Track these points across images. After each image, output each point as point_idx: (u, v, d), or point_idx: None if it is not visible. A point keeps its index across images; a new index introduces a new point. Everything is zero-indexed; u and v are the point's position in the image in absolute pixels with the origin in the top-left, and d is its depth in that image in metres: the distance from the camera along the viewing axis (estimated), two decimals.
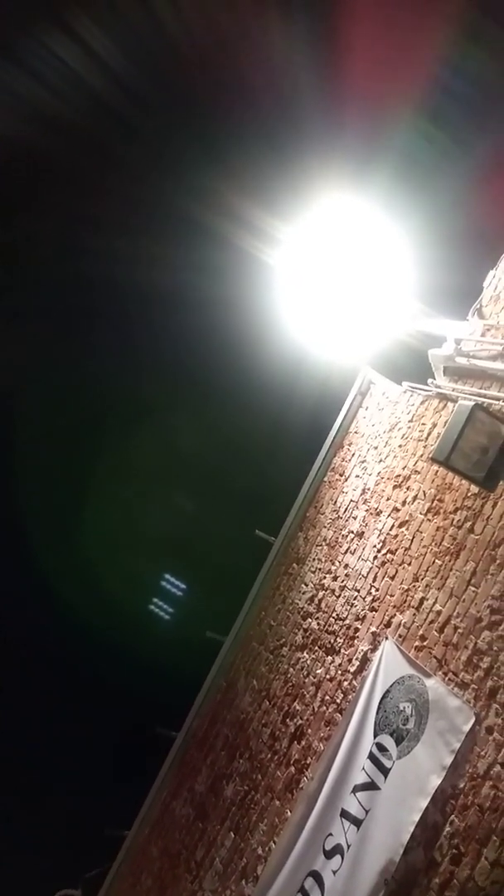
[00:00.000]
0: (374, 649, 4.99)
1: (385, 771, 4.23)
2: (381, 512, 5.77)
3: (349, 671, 5.15)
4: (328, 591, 5.96)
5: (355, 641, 5.26)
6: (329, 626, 5.69)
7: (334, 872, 4.23)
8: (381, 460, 6.19)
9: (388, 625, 5.00)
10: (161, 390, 13.88)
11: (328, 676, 5.37)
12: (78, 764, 12.70)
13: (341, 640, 5.43)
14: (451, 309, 5.60)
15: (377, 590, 5.32)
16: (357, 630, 5.31)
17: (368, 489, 6.15)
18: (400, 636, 4.80)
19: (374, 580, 5.41)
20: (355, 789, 4.37)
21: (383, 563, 5.41)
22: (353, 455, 6.76)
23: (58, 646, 13.25)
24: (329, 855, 4.35)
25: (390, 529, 5.54)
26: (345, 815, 4.35)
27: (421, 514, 5.25)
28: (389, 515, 5.64)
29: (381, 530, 5.65)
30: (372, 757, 4.37)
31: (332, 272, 6.21)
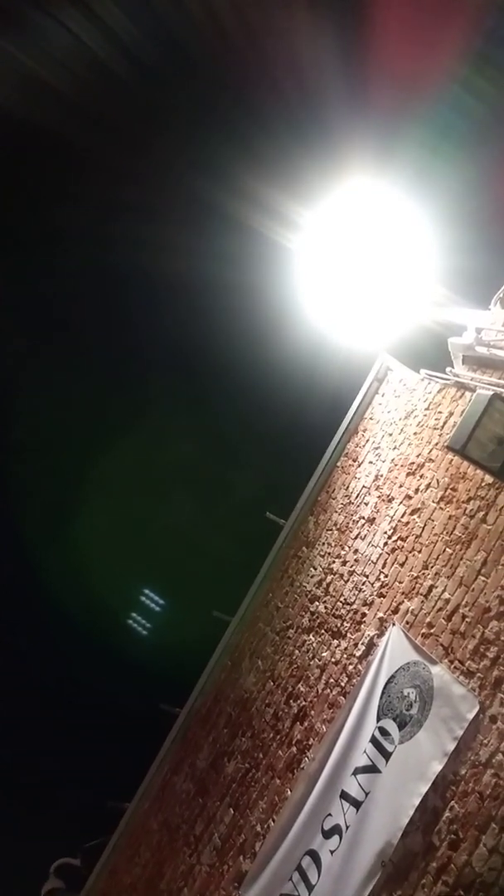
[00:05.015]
0: (380, 635, 5.00)
1: (387, 755, 4.25)
2: (394, 499, 5.76)
3: (355, 655, 5.16)
4: (337, 576, 5.96)
5: (362, 626, 5.27)
6: (336, 610, 5.70)
7: (332, 852, 4.27)
8: (395, 447, 6.16)
9: (395, 611, 5.00)
10: (177, 375, 13.89)
11: (333, 660, 5.39)
12: (81, 737, 12.85)
13: (348, 625, 5.44)
14: (475, 293, 5.55)
15: (386, 576, 5.32)
16: (364, 615, 5.31)
17: (381, 476, 6.13)
18: (407, 623, 4.80)
19: (384, 566, 5.41)
20: (356, 771, 4.39)
21: (393, 550, 5.40)
22: (368, 441, 6.74)
23: (66, 623, 13.37)
24: (327, 835, 4.39)
25: (402, 516, 5.52)
26: (344, 796, 4.39)
27: (433, 502, 5.23)
28: (401, 502, 5.62)
29: (392, 517, 5.64)
30: (374, 740, 4.39)
31: (352, 257, 6.17)
